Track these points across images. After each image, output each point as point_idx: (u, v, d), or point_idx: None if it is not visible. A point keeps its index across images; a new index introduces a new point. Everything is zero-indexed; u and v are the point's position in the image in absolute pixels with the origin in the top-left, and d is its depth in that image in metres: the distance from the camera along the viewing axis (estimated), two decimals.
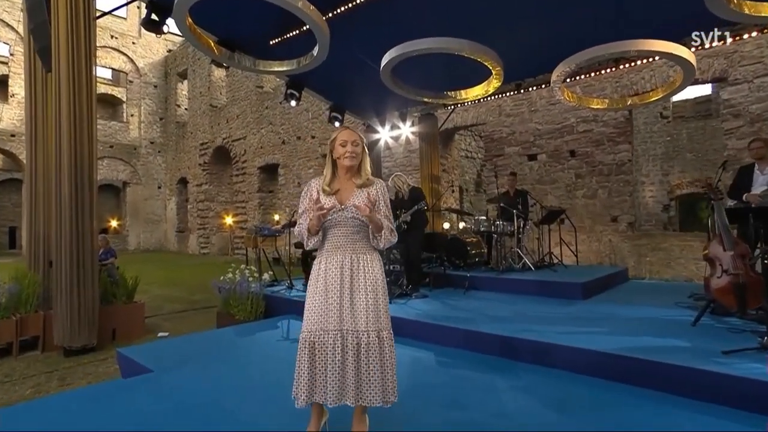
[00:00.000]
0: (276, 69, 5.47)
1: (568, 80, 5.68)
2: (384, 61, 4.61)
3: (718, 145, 10.64)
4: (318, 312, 1.99)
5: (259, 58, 5.51)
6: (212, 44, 5.20)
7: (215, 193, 18.14)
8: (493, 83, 5.43)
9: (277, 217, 13.20)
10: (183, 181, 19.95)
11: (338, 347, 1.94)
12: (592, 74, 6.90)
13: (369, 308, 1.97)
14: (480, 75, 5.56)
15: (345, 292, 1.98)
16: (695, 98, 12.04)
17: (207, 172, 17.96)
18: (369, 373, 1.94)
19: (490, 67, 4.88)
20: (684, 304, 4.01)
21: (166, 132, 21.00)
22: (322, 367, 1.97)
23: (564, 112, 8.74)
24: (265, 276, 5.23)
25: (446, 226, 7.95)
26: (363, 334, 1.96)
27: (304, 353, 1.99)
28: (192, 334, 4.47)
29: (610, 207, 8.19)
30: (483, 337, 3.34)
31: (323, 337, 1.97)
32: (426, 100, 6.41)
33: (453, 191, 10.52)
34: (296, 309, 4.86)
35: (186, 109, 20.22)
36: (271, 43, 5.66)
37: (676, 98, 11.41)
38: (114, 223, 20.17)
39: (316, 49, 4.64)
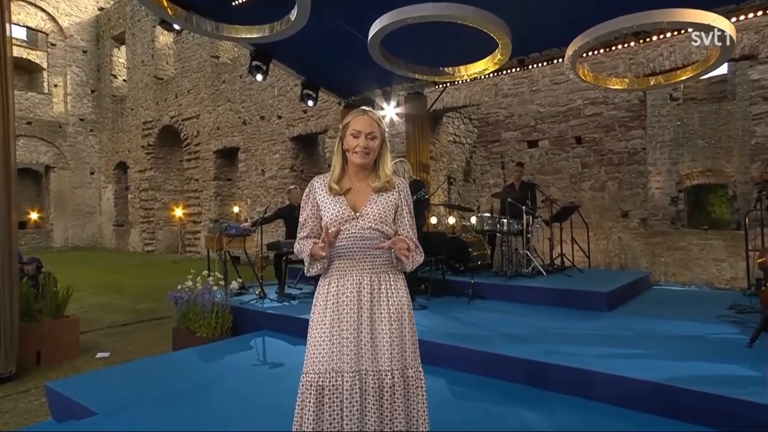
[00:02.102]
0: (244, 36, 5.13)
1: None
2: (373, 31, 4.38)
3: (733, 131, 10.87)
4: (328, 348, 1.78)
5: (222, 22, 5.16)
6: (164, 2, 4.81)
7: (162, 180, 17.59)
8: (498, 58, 5.29)
9: (236, 209, 12.84)
10: (122, 166, 19.24)
11: (356, 392, 1.74)
12: (603, 51, 6.84)
13: (393, 342, 1.78)
14: (482, 49, 5.41)
15: (364, 323, 1.78)
16: (709, 78, 12.26)
17: (152, 155, 17.38)
18: (393, 422, 1.76)
19: (497, 40, 4.72)
20: (727, 317, 4.00)
21: (100, 107, 20.11)
22: (332, 416, 1.76)
23: (569, 92, 8.68)
24: (233, 284, 4.96)
25: (434, 221, 7.80)
26: (386, 375, 1.77)
27: (309, 399, 1.78)
28: (144, 360, 4.16)
29: (620, 201, 8.21)
30: (505, 361, 3.20)
31: (336, 381, 1.77)
32: (418, 76, 6.23)
33: (452, 183, 10.39)
34: (270, 323, 4.68)
35: (124, 80, 19.40)
36: (233, 3, 5.31)
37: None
38: (34, 216, 19.19)
39: (294, 12, 4.35)
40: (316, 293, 1.89)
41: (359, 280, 1.80)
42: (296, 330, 4.41)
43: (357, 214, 1.81)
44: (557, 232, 6.42)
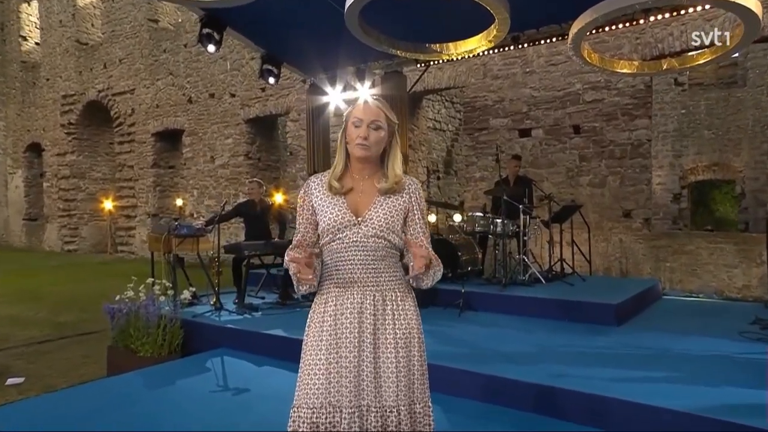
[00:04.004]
0: None
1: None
2: None
3: (743, 121, 11.28)
4: (325, 379, 1.76)
5: None
6: None
7: (87, 166, 17.10)
8: (494, 35, 5.31)
9: (180, 202, 12.59)
10: (35, 148, 18.65)
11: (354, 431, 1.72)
12: (606, 29, 6.97)
13: (400, 373, 1.77)
14: (475, 23, 5.44)
15: (366, 350, 1.76)
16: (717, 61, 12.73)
17: (74, 137, 16.84)
18: None
19: (494, 13, 4.74)
20: (751, 334, 4.14)
21: (6, 75, 19.40)
22: None
23: (567, 75, 8.82)
24: (185, 293, 4.86)
25: None
26: (391, 412, 1.75)
27: None
28: (72, 388, 3.97)
29: (622, 199, 8.41)
30: (510, 385, 3.22)
31: (333, 417, 1.75)
32: (401, 54, 6.20)
33: (439, 177, 10.43)
34: (229, 339, 4.63)
35: (37, 44, 18.71)
36: None
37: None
38: None
39: None
40: (311, 311, 1.86)
41: (361, 299, 1.78)
42: (260, 348, 4.37)
43: (359, 219, 1.79)
44: (556, 235, 6.52)
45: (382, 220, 1.78)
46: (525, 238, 5.85)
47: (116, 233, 15.95)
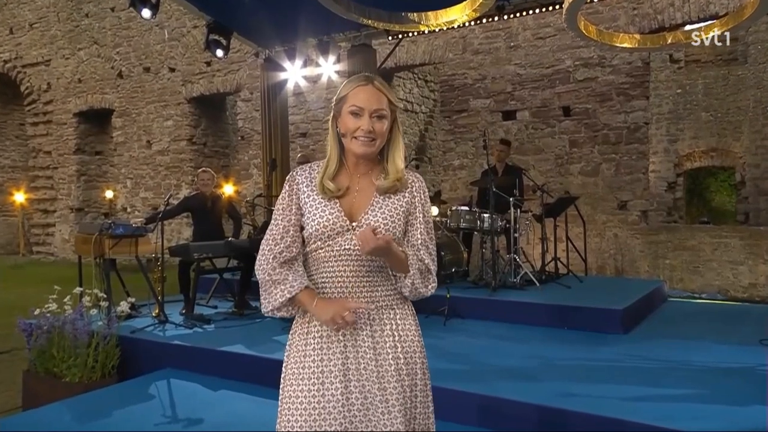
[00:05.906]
0: None
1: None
2: None
3: (744, 102, 11.58)
4: (308, 414, 1.68)
5: None
6: None
7: None
8: (480, 2, 5.30)
9: (110, 194, 12.36)
10: None
11: None
12: None
13: (404, 411, 1.69)
14: None
15: (355, 382, 1.68)
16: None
17: None
18: None
19: None
20: None
21: None
22: None
23: (556, 50, 8.89)
24: (122, 304, 4.74)
25: None
26: None
27: None
28: None
29: (617, 189, 8.54)
30: (510, 407, 3.15)
31: None
32: (372, 24, 6.12)
33: (417, 167, 10.40)
34: (176, 358, 4.50)
35: None
36: None
37: None
38: None
39: None
40: (291, 331, 1.78)
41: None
42: (215, 367, 4.25)
43: (353, 223, 1.70)
44: (549, 230, 6.55)
45: (381, 224, 1.69)
46: (515, 234, 5.84)
47: (30, 231, 15.78)
